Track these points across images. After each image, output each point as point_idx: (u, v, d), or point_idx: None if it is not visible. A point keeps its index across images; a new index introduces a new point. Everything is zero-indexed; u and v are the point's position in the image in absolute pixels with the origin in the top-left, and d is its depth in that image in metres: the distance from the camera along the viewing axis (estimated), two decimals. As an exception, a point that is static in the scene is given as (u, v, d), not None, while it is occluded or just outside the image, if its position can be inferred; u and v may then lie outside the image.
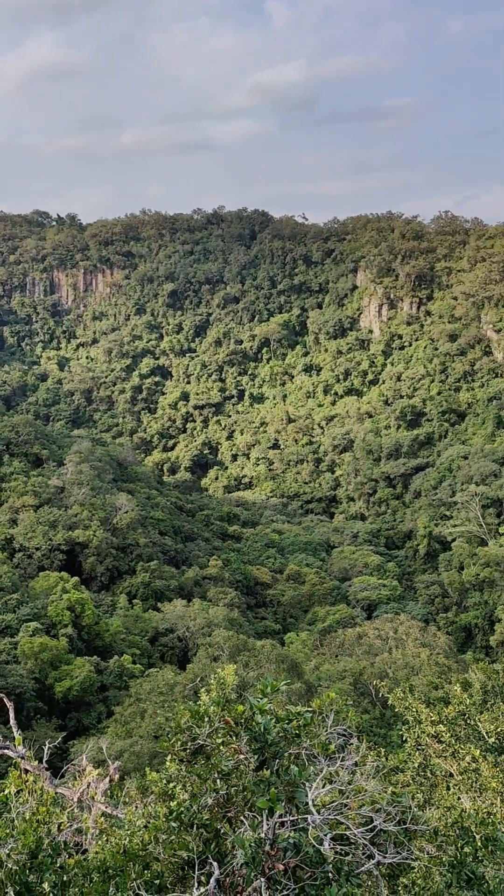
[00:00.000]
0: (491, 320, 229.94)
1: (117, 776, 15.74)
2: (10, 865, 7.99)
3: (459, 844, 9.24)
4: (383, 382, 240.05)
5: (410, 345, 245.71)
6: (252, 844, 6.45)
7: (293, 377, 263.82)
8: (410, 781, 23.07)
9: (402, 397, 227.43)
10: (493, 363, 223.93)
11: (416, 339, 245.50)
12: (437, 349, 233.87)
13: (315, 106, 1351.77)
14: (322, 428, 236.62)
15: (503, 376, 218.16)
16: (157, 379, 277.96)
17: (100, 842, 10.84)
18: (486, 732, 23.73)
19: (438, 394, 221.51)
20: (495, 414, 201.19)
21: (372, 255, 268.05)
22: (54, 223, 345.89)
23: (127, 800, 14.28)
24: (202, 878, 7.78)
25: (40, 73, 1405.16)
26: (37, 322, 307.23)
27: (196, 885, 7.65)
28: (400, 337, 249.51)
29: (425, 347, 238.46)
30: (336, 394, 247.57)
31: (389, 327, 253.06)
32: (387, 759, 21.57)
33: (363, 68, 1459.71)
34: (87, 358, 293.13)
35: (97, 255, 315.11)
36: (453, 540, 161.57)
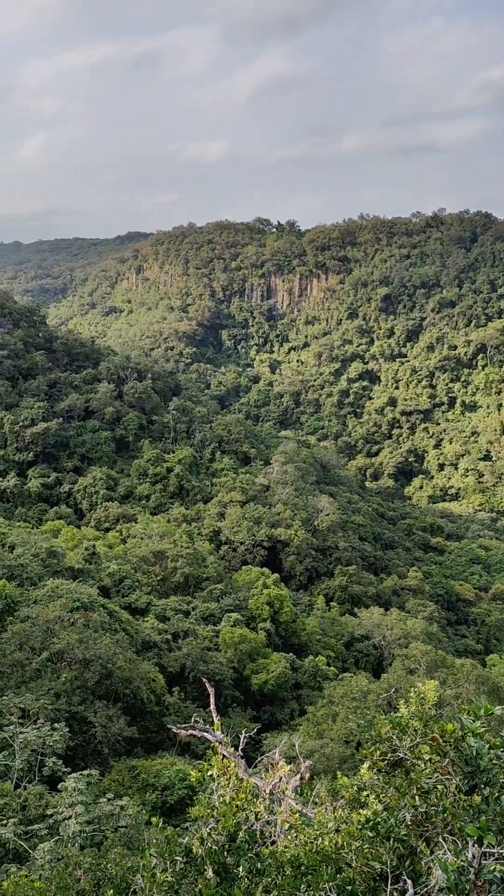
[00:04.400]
0: None
1: (308, 775, 15.84)
2: (210, 844, 8.30)
3: None
4: None
5: None
6: (455, 870, 6.14)
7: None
8: None
9: None
10: None
11: None
12: None
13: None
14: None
15: None
16: (364, 383, 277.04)
17: (290, 837, 10.95)
18: None
19: None
20: None
21: None
22: (274, 230, 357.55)
23: (316, 800, 14.32)
24: (395, 894, 7.55)
25: (268, 86, 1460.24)
26: (252, 326, 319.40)
27: (389, 899, 7.44)
28: None
29: None
30: None
31: None
32: None
33: None
34: (297, 361, 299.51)
35: (313, 260, 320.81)
36: None
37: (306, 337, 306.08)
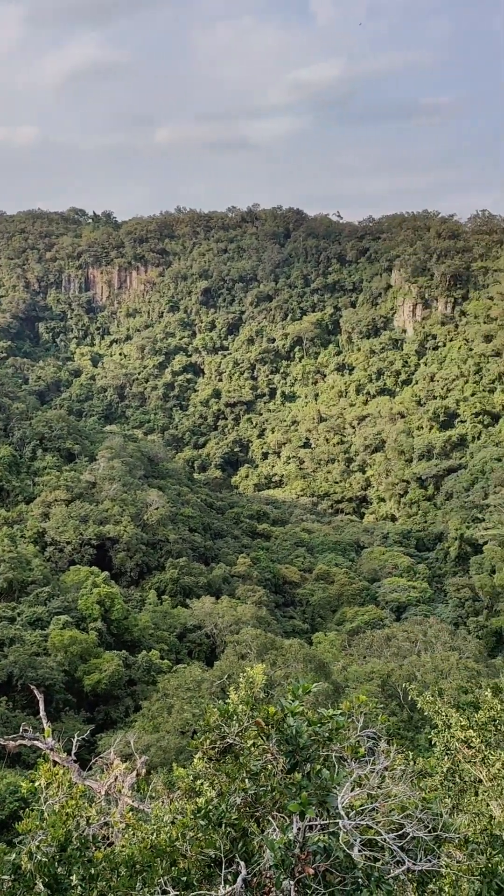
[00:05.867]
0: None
1: (144, 770, 15.78)
2: (39, 857, 8.04)
3: (490, 853, 9.09)
4: (416, 383, 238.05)
5: (444, 345, 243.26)
6: (282, 846, 6.41)
7: (325, 376, 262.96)
8: (439, 786, 22.84)
9: (435, 398, 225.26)
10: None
11: (451, 340, 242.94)
12: (471, 350, 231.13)
13: (351, 103, 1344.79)
14: (354, 427, 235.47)
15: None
16: (189, 376, 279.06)
17: (127, 836, 10.88)
18: (517, 739, 23.36)
19: (472, 395, 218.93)
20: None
21: (407, 254, 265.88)
22: (90, 221, 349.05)
23: (153, 795, 14.32)
24: (229, 877, 7.76)
25: (80, 72, 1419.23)
26: (71, 318, 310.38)
27: (223, 883, 7.63)
28: (434, 337, 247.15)
29: (459, 348, 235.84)
30: (368, 393, 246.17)
31: (423, 327, 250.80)
32: (415, 763, 21.36)
33: (403, 65, 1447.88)
34: (120, 354, 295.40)
35: (132, 252, 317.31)
36: (485, 543, 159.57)
37: (128, 329, 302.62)
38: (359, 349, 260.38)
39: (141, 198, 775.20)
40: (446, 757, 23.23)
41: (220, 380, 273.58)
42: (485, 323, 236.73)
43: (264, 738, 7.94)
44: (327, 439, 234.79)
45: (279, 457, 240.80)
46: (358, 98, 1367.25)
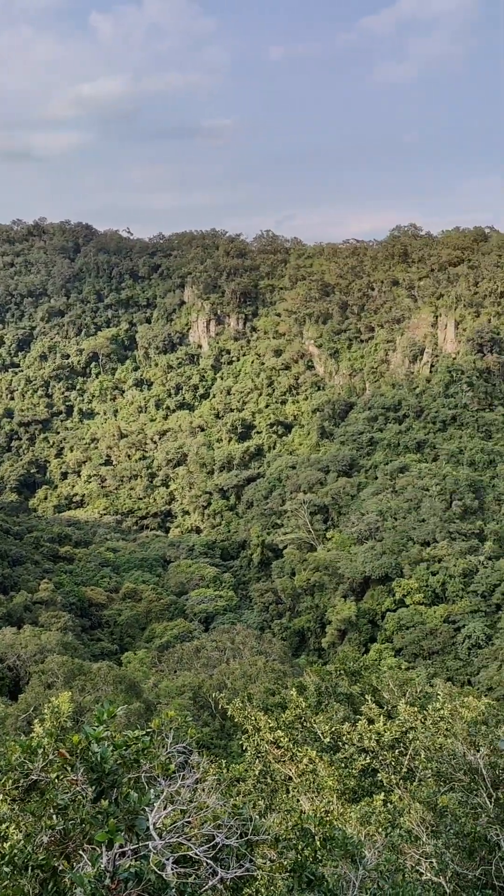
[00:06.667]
0: (311, 336, 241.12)
1: None
2: None
3: (300, 847, 9.44)
4: (214, 396, 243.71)
5: (238, 360, 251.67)
6: (91, 880, 6.18)
7: (124, 392, 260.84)
8: (252, 789, 23.37)
9: (232, 411, 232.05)
10: (316, 377, 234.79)
11: (244, 355, 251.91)
12: (263, 364, 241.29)
13: (137, 120, 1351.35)
14: (155, 443, 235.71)
15: (325, 389, 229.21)
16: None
17: None
18: (322, 733, 24.57)
19: (266, 406, 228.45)
20: (319, 425, 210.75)
21: (198, 271, 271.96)
22: None
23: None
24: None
25: None
26: None
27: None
28: (228, 352, 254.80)
29: (252, 362, 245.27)
30: (168, 408, 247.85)
31: (217, 342, 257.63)
32: (228, 770, 21.69)
33: (185, 86, 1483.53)
34: None
35: None
36: (285, 547, 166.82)
37: None
38: (156, 364, 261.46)
39: None
40: (258, 760, 23.87)
41: (13, 398, 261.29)
42: (274, 338, 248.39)
43: (69, 769, 7.63)
44: (129, 455, 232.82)
45: (79, 476, 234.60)
46: (143, 116, 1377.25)
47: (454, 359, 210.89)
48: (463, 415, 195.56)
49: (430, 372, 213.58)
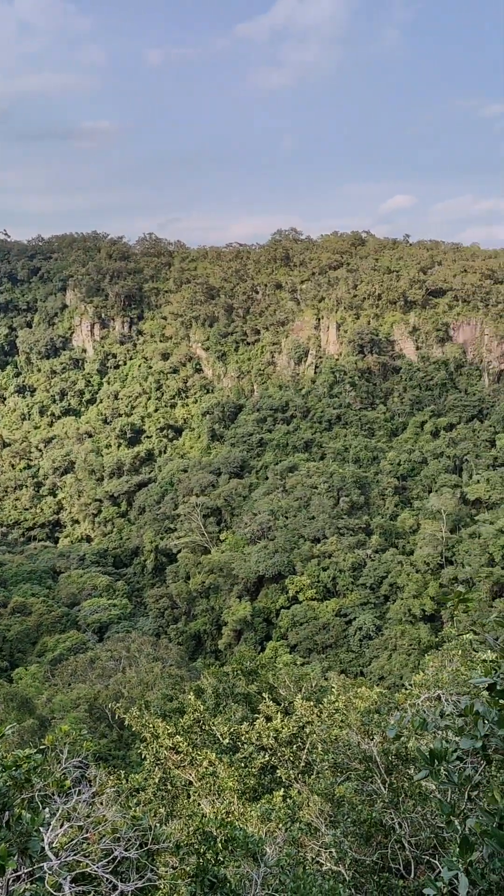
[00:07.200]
0: (199, 339, 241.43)
1: None
2: None
3: (201, 851, 9.42)
4: (101, 401, 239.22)
5: (125, 364, 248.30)
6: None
7: (5, 399, 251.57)
8: (152, 798, 23.10)
9: (120, 415, 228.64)
10: (204, 379, 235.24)
11: (131, 359, 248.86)
12: (151, 367, 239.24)
13: (9, 121, 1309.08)
14: (40, 451, 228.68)
15: (213, 391, 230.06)
16: None
17: None
18: (220, 734, 24.63)
19: (156, 410, 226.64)
20: (209, 427, 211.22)
21: (80, 274, 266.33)
22: None
23: None
24: None
25: None
26: None
27: None
28: (114, 356, 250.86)
29: (140, 366, 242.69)
30: (53, 414, 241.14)
31: (103, 346, 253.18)
32: (127, 781, 21.34)
33: (61, 87, 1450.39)
34: None
35: None
36: (179, 551, 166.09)
37: None
38: (39, 370, 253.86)
39: None
40: (157, 767, 23.62)
41: None
42: (161, 342, 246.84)
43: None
44: (13, 465, 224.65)
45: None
46: (17, 116, 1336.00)
47: (337, 360, 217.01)
48: (347, 414, 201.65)
49: (315, 373, 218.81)
